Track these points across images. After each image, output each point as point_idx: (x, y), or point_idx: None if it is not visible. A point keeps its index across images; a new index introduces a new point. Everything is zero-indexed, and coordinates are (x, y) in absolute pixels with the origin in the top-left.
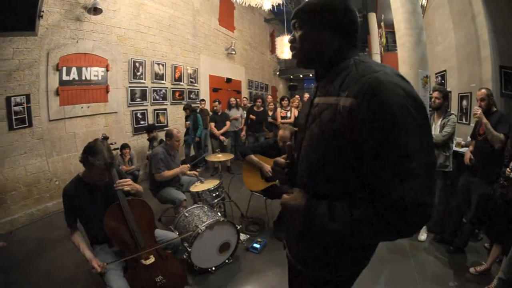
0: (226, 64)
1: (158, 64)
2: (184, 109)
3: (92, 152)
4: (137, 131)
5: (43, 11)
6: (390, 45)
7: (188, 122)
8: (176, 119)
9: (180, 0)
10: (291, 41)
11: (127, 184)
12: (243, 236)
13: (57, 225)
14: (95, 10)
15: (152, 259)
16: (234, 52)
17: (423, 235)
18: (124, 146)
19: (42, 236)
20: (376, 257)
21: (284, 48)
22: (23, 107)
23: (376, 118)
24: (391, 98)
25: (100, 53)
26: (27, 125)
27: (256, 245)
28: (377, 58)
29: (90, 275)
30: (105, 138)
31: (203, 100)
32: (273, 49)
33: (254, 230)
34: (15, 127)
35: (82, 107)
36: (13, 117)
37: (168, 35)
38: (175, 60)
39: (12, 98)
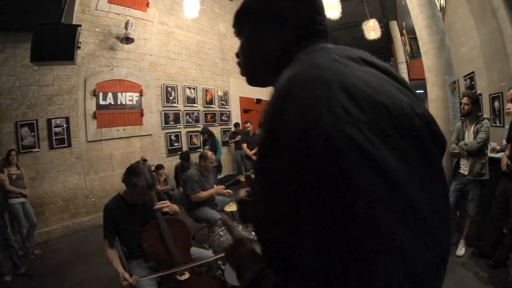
0: None
1: (190, 88)
2: (202, 133)
3: (135, 173)
4: (171, 152)
5: (80, 43)
6: (414, 52)
7: (207, 147)
8: None
9: (206, 26)
10: (236, 56)
11: (166, 205)
12: None
13: (92, 239)
14: (127, 40)
15: (187, 275)
16: None
17: (461, 250)
18: (159, 167)
19: (77, 248)
20: None
21: None
22: (63, 129)
23: (278, 152)
24: (303, 112)
25: (134, 79)
26: (66, 145)
27: None
28: (403, 67)
29: None
30: (145, 160)
31: (237, 124)
32: None
33: None
34: (55, 146)
35: (118, 130)
36: (53, 137)
37: (197, 60)
38: (205, 83)
39: (53, 120)
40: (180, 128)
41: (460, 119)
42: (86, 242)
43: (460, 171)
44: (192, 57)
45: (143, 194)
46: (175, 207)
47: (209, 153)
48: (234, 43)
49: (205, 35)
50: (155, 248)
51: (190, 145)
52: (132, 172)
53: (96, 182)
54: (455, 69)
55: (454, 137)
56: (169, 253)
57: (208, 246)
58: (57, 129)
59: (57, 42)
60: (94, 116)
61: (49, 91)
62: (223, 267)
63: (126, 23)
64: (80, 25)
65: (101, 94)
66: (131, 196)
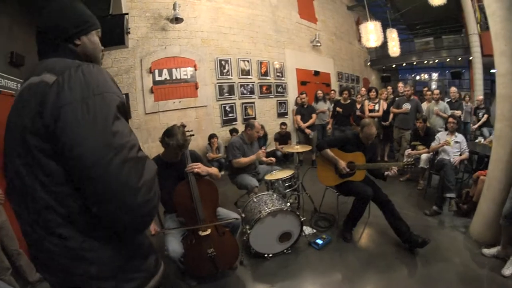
0: (312, 57)
1: (243, 60)
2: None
3: (168, 134)
4: (225, 122)
5: (129, 28)
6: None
7: None
8: (264, 112)
9: None
10: None
11: (196, 167)
12: (308, 230)
13: None
14: (177, 20)
15: (208, 232)
16: (319, 44)
17: (508, 269)
18: (212, 136)
19: None
20: None
21: (369, 36)
22: None
23: None
24: None
25: (187, 55)
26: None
27: (319, 241)
28: (475, 39)
29: (154, 238)
30: (183, 126)
31: None
32: (360, 38)
33: (322, 226)
34: None
35: (174, 102)
36: None
37: (249, 33)
38: (259, 56)
39: None
40: (235, 99)
41: None
42: None
43: None
44: (244, 31)
45: (175, 153)
46: (208, 169)
47: (256, 122)
48: (287, 14)
49: (256, 8)
50: (183, 203)
51: (245, 115)
52: (166, 134)
53: (154, 149)
54: None
55: None
56: (194, 208)
57: (242, 211)
58: None
59: (108, 31)
60: (151, 91)
61: (109, 72)
62: (249, 232)
63: (174, 5)
64: (127, 14)
65: (156, 71)
66: (166, 155)
